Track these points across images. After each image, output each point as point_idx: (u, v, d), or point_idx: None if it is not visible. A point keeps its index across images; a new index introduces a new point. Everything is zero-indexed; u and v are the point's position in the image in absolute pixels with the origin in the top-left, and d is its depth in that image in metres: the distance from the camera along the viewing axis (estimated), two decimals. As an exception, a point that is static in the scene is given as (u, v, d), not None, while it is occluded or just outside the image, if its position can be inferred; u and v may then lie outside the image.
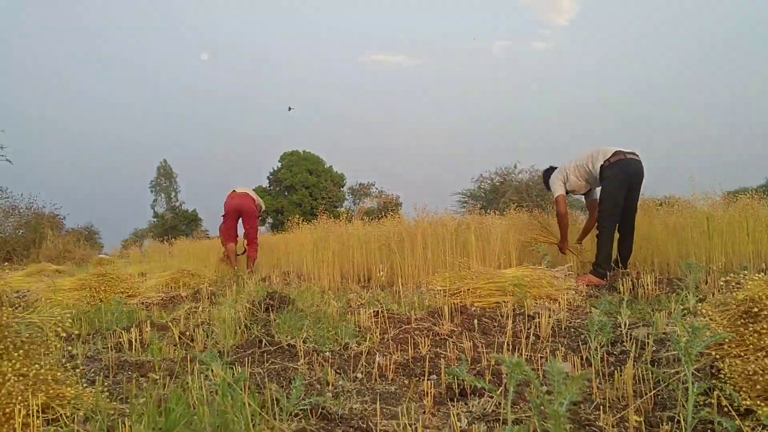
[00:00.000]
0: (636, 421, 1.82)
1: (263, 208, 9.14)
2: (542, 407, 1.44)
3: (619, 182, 5.48)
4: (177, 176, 48.13)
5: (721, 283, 2.25)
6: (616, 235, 5.69)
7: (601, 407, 1.98)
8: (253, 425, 1.52)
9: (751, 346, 1.97)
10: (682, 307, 3.25)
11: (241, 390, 1.64)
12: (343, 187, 46.60)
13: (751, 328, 1.98)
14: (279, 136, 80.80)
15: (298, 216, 8.15)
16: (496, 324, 3.60)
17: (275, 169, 46.33)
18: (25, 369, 1.95)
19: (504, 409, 1.96)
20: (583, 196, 6.35)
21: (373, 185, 45.87)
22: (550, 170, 6.24)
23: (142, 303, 5.16)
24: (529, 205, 8.79)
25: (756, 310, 1.97)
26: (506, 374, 1.92)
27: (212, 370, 2.19)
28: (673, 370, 2.25)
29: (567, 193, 6.03)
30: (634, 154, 5.60)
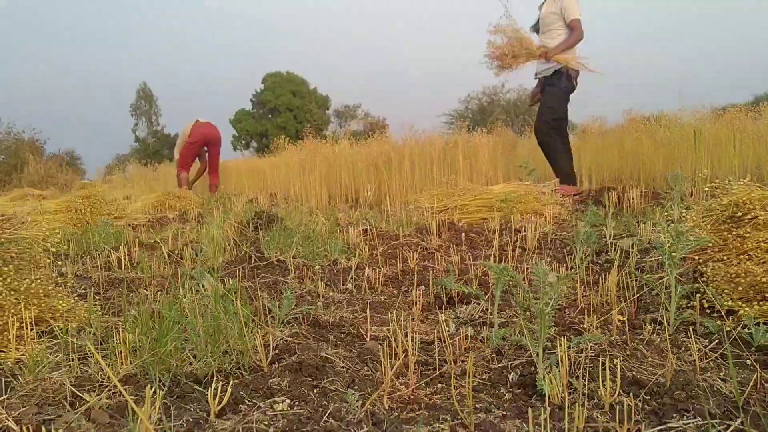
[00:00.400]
0: (620, 321, 1.86)
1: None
2: (528, 307, 1.47)
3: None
4: (157, 99, 47.29)
5: (707, 189, 2.26)
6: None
7: (586, 311, 2.03)
8: (247, 331, 1.54)
9: (734, 250, 2.01)
10: (667, 216, 3.29)
11: (233, 300, 1.66)
12: (328, 109, 46.09)
13: (734, 233, 2.01)
14: (262, 55, 79.08)
15: (283, 137, 8.08)
16: (483, 238, 3.64)
17: (258, 90, 45.55)
18: (16, 284, 1.96)
19: (491, 313, 2.01)
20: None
21: (359, 107, 45.41)
22: None
23: (129, 225, 5.15)
24: (517, 123, 8.72)
25: (740, 214, 2.00)
26: (493, 282, 1.95)
27: (203, 285, 2.21)
28: (657, 276, 2.30)
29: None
30: None
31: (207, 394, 1.25)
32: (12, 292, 1.93)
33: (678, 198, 3.87)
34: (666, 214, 3.37)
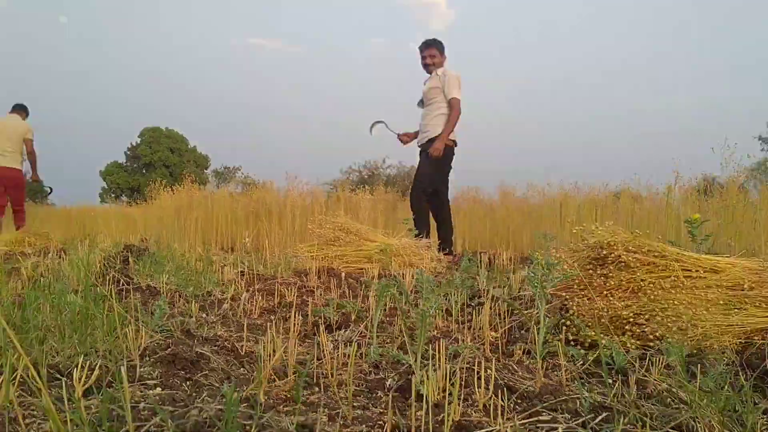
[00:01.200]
0: (492, 339, 1.93)
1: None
2: (408, 311, 1.50)
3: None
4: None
5: (574, 231, 2.43)
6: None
7: (459, 341, 2.08)
8: (121, 327, 1.46)
9: (597, 288, 2.15)
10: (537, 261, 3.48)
11: (102, 301, 1.57)
12: (207, 169, 45.23)
13: (599, 272, 2.17)
14: (140, 109, 76.91)
15: (160, 180, 7.81)
16: (360, 286, 3.67)
17: (134, 144, 44.02)
18: None
19: (369, 337, 2.01)
20: None
21: (239, 169, 44.90)
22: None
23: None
24: (396, 190, 9.01)
25: (605, 253, 2.16)
26: (373, 301, 1.97)
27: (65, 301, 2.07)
28: (527, 311, 2.41)
29: None
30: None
31: (72, 378, 1.16)
32: None
33: (547, 250, 4.11)
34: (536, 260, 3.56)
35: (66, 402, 1.12)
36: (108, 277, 2.92)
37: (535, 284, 2.00)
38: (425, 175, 5.80)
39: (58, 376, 1.31)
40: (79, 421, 0.83)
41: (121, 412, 1.03)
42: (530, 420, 1.23)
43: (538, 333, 1.95)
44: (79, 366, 1.26)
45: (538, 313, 2.15)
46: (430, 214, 5.89)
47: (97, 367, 1.28)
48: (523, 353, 1.93)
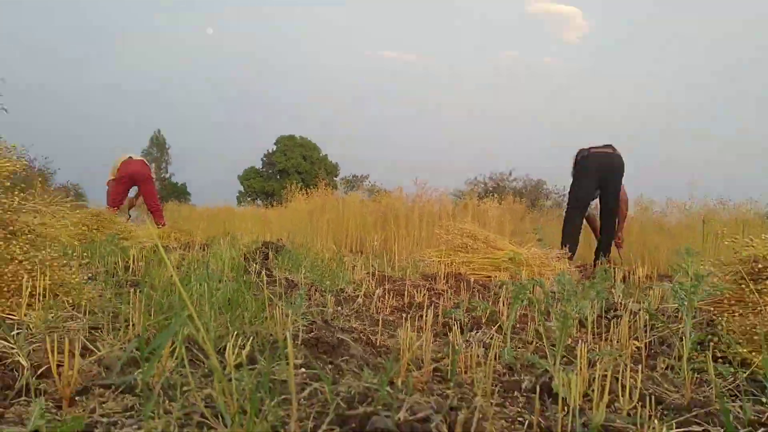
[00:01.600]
0: (635, 348, 1.85)
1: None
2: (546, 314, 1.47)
3: (582, 177, 5.71)
4: (170, 148, 47.95)
5: (726, 243, 2.27)
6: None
7: (598, 349, 2.01)
8: (268, 310, 1.53)
9: (750, 304, 2.00)
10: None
11: (250, 286, 1.66)
12: (336, 177, 46.57)
13: (752, 287, 2.02)
14: (276, 119, 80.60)
15: (295, 184, 8.15)
16: (489, 291, 3.63)
17: (270, 151, 46.23)
18: (32, 252, 1.96)
19: (502, 340, 1.99)
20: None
21: (367, 178, 45.86)
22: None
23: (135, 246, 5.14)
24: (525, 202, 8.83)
25: (760, 267, 2.00)
26: (506, 315, 1.95)
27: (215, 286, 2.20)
28: (670, 325, 2.28)
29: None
30: (607, 146, 5.73)
31: (225, 355, 1.23)
32: (28, 260, 1.93)
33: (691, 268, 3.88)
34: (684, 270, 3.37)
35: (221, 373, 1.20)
36: (251, 270, 3.08)
37: (682, 297, 1.89)
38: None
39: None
40: (236, 388, 0.88)
41: (271, 385, 1.07)
42: (680, 430, 1.16)
43: (683, 347, 1.84)
44: (231, 343, 1.33)
45: (681, 327, 2.04)
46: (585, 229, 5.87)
47: (248, 344, 1.35)
48: (666, 368, 1.83)
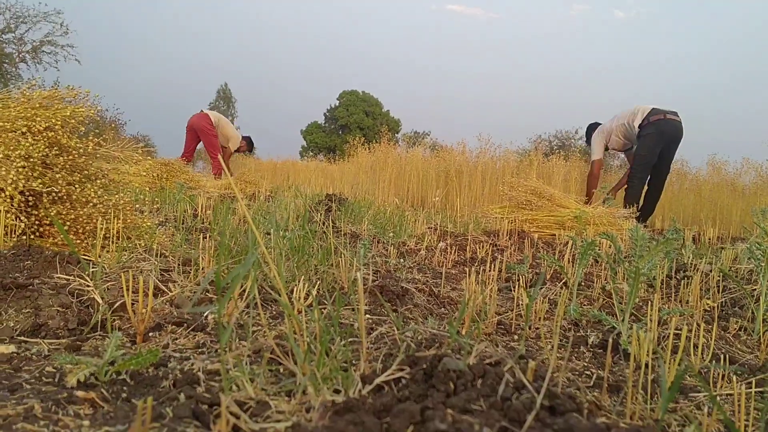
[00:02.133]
0: (708, 307, 1.79)
1: (231, 147, 9.03)
2: (615, 267, 1.43)
3: (653, 142, 5.58)
4: (236, 102, 48.61)
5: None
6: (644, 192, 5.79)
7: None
8: (334, 257, 1.54)
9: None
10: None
11: (315, 235, 1.67)
12: (398, 133, 46.39)
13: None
14: (339, 73, 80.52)
15: (357, 139, 8.15)
16: (553, 249, 3.57)
17: (332, 106, 46.31)
18: (106, 196, 2.02)
19: (568, 297, 1.95)
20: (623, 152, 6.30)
21: (428, 134, 45.52)
22: (594, 126, 6.18)
23: (202, 195, 5.27)
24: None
25: None
26: (571, 274, 1.91)
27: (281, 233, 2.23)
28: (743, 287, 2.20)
29: (607, 149, 6.03)
30: (674, 114, 5.55)
31: (292, 297, 1.25)
32: (102, 203, 1.99)
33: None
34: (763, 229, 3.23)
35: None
36: (315, 220, 3.12)
37: (758, 256, 1.81)
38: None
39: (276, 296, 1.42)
40: (306, 327, 0.89)
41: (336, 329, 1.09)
42: (756, 390, 1.12)
43: (757, 309, 1.77)
44: (299, 286, 1.35)
45: (756, 288, 1.96)
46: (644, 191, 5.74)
47: (315, 289, 1.37)
48: (739, 329, 1.77)
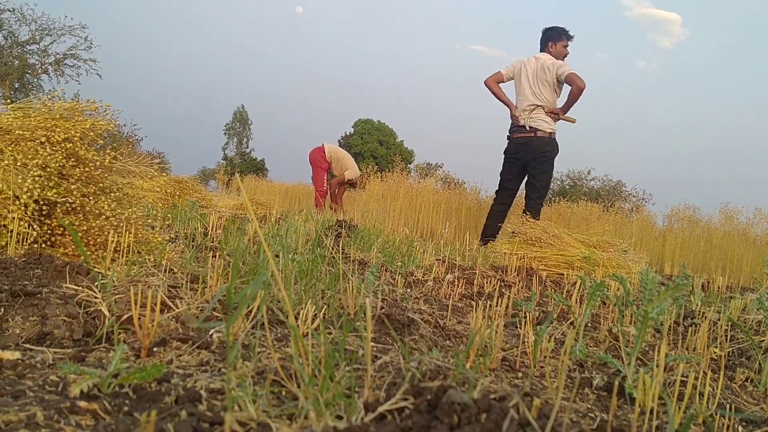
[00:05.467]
0: (715, 356, 1.77)
1: (348, 176, 9.12)
2: (623, 310, 1.42)
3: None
4: (251, 124, 49.11)
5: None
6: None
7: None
8: (342, 282, 1.54)
9: None
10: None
11: (324, 258, 1.67)
12: (411, 163, 46.58)
13: None
14: (355, 102, 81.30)
15: (371, 166, 8.21)
16: (561, 288, 3.55)
17: (347, 134, 46.66)
18: (119, 210, 2.04)
19: (574, 338, 1.94)
20: None
21: (441, 166, 45.66)
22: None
23: (214, 214, 5.30)
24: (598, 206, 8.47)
25: None
26: (578, 314, 1.90)
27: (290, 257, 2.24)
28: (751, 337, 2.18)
29: None
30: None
31: (298, 320, 1.25)
32: (114, 216, 2.01)
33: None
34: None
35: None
36: (324, 245, 3.12)
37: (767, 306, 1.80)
38: None
39: (282, 318, 1.42)
40: (311, 351, 0.89)
41: (341, 354, 1.08)
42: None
43: (764, 360, 1.75)
44: (305, 310, 1.35)
45: (765, 340, 1.94)
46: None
47: (321, 314, 1.37)
48: (746, 380, 1.75)
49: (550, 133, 5.63)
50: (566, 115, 5.65)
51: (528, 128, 5.57)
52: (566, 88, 5.65)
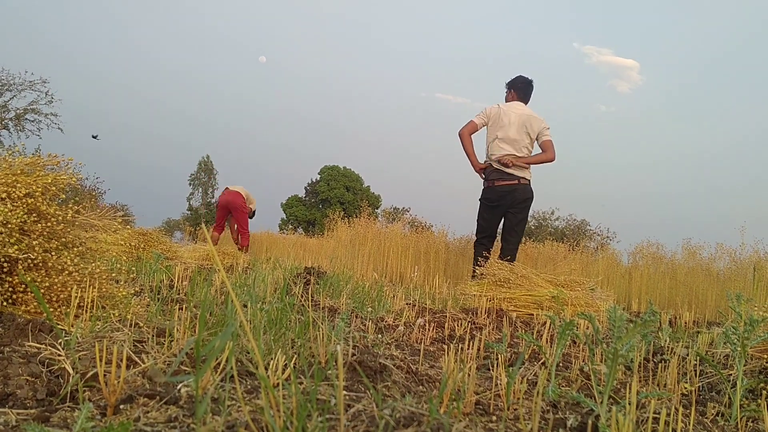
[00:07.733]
0: (685, 391, 1.78)
1: (253, 208, 10.10)
2: (594, 345, 1.43)
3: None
4: (217, 173, 48.94)
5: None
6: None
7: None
8: (305, 334, 1.53)
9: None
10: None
11: (293, 307, 1.66)
12: (378, 208, 46.76)
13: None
14: (320, 148, 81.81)
15: (338, 212, 8.24)
16: (531, 328, 3.57)
17: (313, 180, 46.78)
18: (82, 264, 2.00)
19: (546, 378, 1.94)
20: None
21: (408, 210, 45.92)
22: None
23: (179, 265, 5.23)
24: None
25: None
26: (549, 354, 1.91)
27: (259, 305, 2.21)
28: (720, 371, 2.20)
29: None
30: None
31: (268, 371, 1.23)
32: (78, 271, 1.97)
33: (743, 313, 3.75)
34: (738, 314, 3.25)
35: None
36: (293, 293, 3.09)
37: (734, 341, 1.83)
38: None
39: (252, 369, 1.39)
40: (282, 402, 0.87)
41: (313, 405, 1.07)
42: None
43: (734, 394, 1.77)
44: (275, 360, 1.33)
45: (732, 374, 1.96)
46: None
47: (291, 363, 1.35)
48: (717, 414, 1.76)
49: (529, 180, 5.71)
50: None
51: (512, 176, 5.62)
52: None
